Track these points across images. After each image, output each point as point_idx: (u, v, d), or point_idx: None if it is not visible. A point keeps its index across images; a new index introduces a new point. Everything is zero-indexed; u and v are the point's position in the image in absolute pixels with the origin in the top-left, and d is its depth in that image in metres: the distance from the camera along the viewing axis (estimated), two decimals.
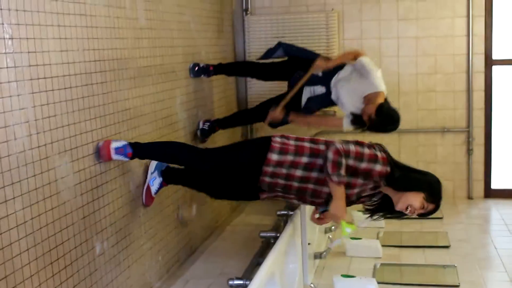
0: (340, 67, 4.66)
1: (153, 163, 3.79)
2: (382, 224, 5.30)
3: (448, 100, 6.10)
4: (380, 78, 4.50)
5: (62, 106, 2.98)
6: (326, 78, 4.65)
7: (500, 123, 6.15)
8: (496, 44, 6.02)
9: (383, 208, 3.25)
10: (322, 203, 3.21)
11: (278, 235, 3.76)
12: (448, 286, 4.14)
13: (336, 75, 4.64)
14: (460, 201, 6.09)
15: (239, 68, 5.39)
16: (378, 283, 3.93)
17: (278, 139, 3.20)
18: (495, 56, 6.03)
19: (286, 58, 4.99)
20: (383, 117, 4.35)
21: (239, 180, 3.43)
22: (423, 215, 3.17)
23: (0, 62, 2.55)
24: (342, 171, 3.00)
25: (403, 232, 5.21)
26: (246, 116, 5.27)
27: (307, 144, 3.17)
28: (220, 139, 5.15)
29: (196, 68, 4.79)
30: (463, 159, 6.13)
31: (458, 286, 4.09)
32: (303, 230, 4.01)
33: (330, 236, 4.64)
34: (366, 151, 3.08)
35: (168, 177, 3.77)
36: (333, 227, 4.91)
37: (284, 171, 3.13)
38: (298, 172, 3.12)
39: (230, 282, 3.30)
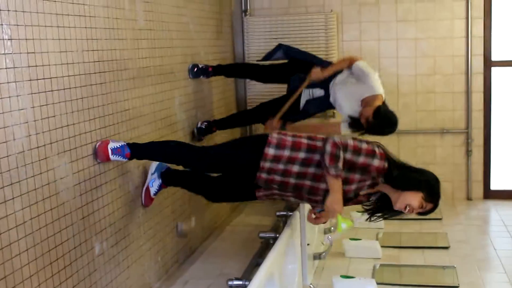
0: (338, 71, 4.67)
1: (154, 164, 3.79)
2: (382, 225, 5.30)
3: (447, 101, 6.10)
4: (378, 81, 4.50)
5: (61, 107, 2.98)
6: (324, 81, 4.66)
7: (499, 124, 6.16)
8: (495, 46, 6.02)
9: (382, 207, 3.24)
10: (320, 201, 3.19)
11: (277, 235, 3.76)
12: (447, 287, 4.15)
13: (334, 78, 4.65)
14: (459, 202, 6.09)
15: (238, 70, 5.39)
16: (378, 283, 3.93)
17: (275, 135, 3.21)
18: (494, 57, 6.03)
19: (286, 61, 5.00)
20: (380, 120, 4.33)
21: (236, 177, 3.44)
22: (422, 214, 3.17)
23: None
24: (340, 164, 2.99)
25: (402, 233, 5.22)
26: (244, 117, 5.28)
27: (304, 140, 3.17)
28: (220, 140, 5.15)
29: (195, 69, 4.80)
30: (462, 160, 6.14)
31: (457, 287, 4.10)
32: (302, 231, 4.01)
33: (330, 237, 4.64)
34: (364, 145, 3.08)
35: (167, 179, 3.77)
36: (332, 228, 4.92)
37: (281, 166, 3.12)
38: (295, 168, 3.11)
39: (230, 283, 3.29)
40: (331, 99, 4.64)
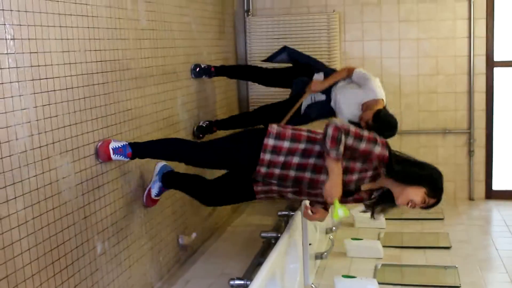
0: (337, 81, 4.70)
1: (159, 165, 3.78)
2: (383, 224, 5.32)
3: (449, 102, 6.11)
4: (379, 86, 4.51)
5: (63, 107, 2.99)
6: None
7: (501, 124, 6.16)
8: (498, 46, 6.02)
9: (383, 202, 3.20)
10: (319, 194, 3.13)
11: (279, 235, 3.76)
12: (449, 287, 4.15)
13: (336, 83, 4.66)
14: (461, 202, 6.09)
15: (241, 72, 5.40)
16: (379, 283, 3.93)
17: (275, 126, 3.20)
18: (496, 57, 6.03)
19: (289, 65, 5.02)
20: (380, 123, 4.32)
21: (235, 175, 3.42)
22: (425, 208, 3.14)
23: (2, 63, 2.57)
24: (341, 148, 2.93)
25: (404, 233, 5.22)
26: (246, 119, 5.26)
27: (304, 133, 3.17)
28: None
29: (198, 69, 4.81)
30: (464, 160, 6.14)
31: (459, 287, 4.10)
32: (304, 231, 4.02)
33: (331, 237, 4.65)
34: (365, 133, 3.04)
35: (167, 182, 3.75)
36: (333, 228, 4.92)
37: (281, 158, 3.10)
38: (296, 159, 3.08)
39: (231, 282, 3.29)
40: (332, 103, 4.65)
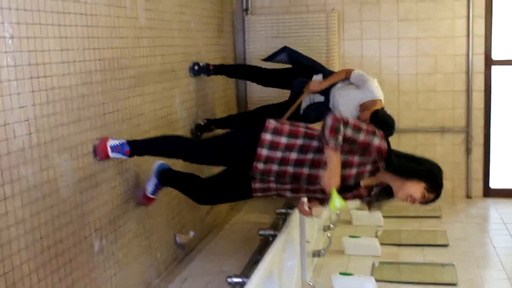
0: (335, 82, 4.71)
1: (157, 163, 3.76)
2: (381, 222, 5.34)
3: (447, 100, 6.12)
4: (378, 87, 4.52)
5: (62, 105, 3.00)
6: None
7: (499, 123, 6.17)
8: (496, 45, 6.03)
9: (383, 198, 3.18)
10: (319, 190, 3.12)
11: (276, 233, 3.76)
12: (446, 284, 4.16)
13: (335, 85, 4.67)
14: (459, 200, 6.11)
15: (241, 71, 5.40)
16: (377, 281, 3.95)
17: (272, 121, 3.21)
18: (495, 56, 6.05)
19: (289, 66, 5.02)
20: (377, 123, 4.33)
21: (232, 172, 3.40)
22: (424, 204, 3.12)
23: (0, 61, 2.57)
24: (340, 138, 2.94)
25: (401, 230, 5.24)
26: (244, 119, 5.27)
27: (302, 129, 3.17)
28: None
29: (196, 67, 4.82)
30: (462, 158, 6.15)
31: (456, 284, 4.12)
32: (301, 228, 4.03)
33: (329, 235, 4.66)
34: (364, 125, 3.05)
35: (164, 179, 3.71)
36: (331, 225, 4.94)
37: (279, 154, 3.10)
38: (293, 155, 3.08)
39: (229, 280, 3.30)
40: (331, 104, 4.67)
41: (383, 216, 5.40)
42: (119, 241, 3.57)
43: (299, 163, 3.09)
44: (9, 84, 2.63)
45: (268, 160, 3.12)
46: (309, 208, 3.37)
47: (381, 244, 4.76)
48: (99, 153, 3.32)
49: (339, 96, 4.59)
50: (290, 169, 3.11)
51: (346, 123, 2.98)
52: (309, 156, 3.08)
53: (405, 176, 3.03)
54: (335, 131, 2.94)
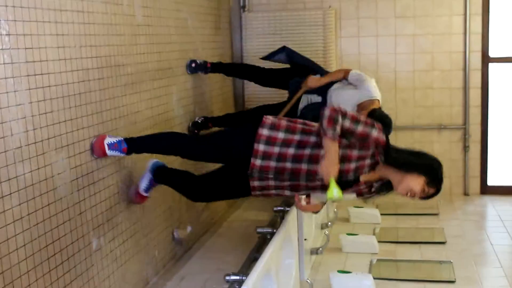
0: (336, 79, 4.70)
1: (151, 161, 3.73)
2: (379, 220, 5.34)
3: (445, 97, 6.12)
4: (375, 87, 4.52)
5: (58, 102, 2.99)
6: (322, 88, 4.69)
7: (496, 120, 6.18)
8: (493, 42, 6.04)
9: (383, 190, 3.15)
10: (318, 187, 3.09)
11: (274, 230, 3.76)
12: (444, 281, 4.16)
13: (332, 85, 4.67)
14: (457, 197, 6.12)
15: (239, 70, 5.40)
16: (374, 278, 3.95)
17: (270, 117, 3.19)
18: (492, 53, 6.05)
19: (287, 66, 5.02)
20: None
21: (230, 170, 3.37)
22: (424, 198, 3.08)
23: None
24: (338, 128, 2.93)
25: (399, 228, 5.24)
26: (241, 118, 5.26)
27: (299, 125, 3.16)
28: None
29: (193, 65, 4.81)
30: (459, 156, 6.16)
31: (454, 281, 4.12)
32: (299, 226, 4.03)
33: (327, 232, 4.66)
34: (362, 117, 3.05)
35: (158, 177, 3.65)
36: (329, 223, 4.94)
37: (276, 149, 3.08)
38: (291, 150, 3.06)
39: (227, 278, 3.29)
40: (328, 105, 4.66)
41: (381, 214, 5.40)
42: (116, 239, 3.57)
43: (297, 158, 3.06)
44: (6, 82, 2.62)
45: (265, 155, 3.10)
46: (307, 203, 3.31)
47: (379, 241, 4.76)
48: (96, 151, 3.31)
49: (336, 96, 4.59)
50: (288, 165, 3.08)
51: (344, 114, 2.97)
52: (307, 151, 3.05)
53: (405, 169, 3.00)
54: (333, 121, 2.93)
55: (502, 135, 6.24)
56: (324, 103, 4.68)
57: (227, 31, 5.97)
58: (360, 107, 4.44)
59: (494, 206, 5.83)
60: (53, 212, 2.94)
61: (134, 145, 3.44)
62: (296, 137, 3.10)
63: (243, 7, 6.19)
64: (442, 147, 6.15)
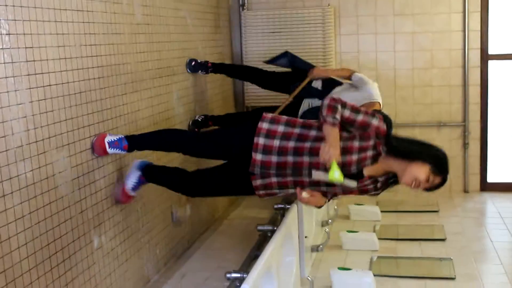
0: (338, 83, 4.74)
1: (137, 161, 3.62)
2: (379, 217, 5.35)
3: (444, 95, 6.13)
4: (377, 90, 4.53)
5: (59, 101, 3.00)
6: (324, 92, 4.70)
7: (496, 117, 6.19)
8: (492, 39, 6.04)
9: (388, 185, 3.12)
10: (322, 183, 3.04)
11: (275, 228, 3.77)
12: (444, 278, 4.17)
13: (333, 89, 4.69)
14: (456, 194, 6.12)
15: (240, 72, 5.41)
16: (375, 275, 3.96)
17: (270, 114, 3.21)
18: (491, 51, 6.05)
19: (289, 70, 5.04)
20: None
21: (231, 166, 3.35)
22: (429, 190, 3.03)
23: None
24: (338, 116, 2.94)
25: (399, 225, 5.25)
26: (242, 118, 5.27)
27: (299, 120, 3.19)
28: None
29: (193, 63, 4.82)
30: (459, 153, 6.17)
31: (454, 278, 4.13)
32: (300, 224, 4.04)
33: (327, 230, 4.67)
34: (362, 108, 3.06)
35: (148, 175, 3.56)
36: (329, 220, 4.95)
37: (276, 143, 3.06)
38: (291, 143, 3.05)
39: (228, 275, 3.30)
40: None
41: (381, 211, 5.41)
42: (118, 237, 3.58)
43: (298, 151, 3.04)
44: (7, 81, 2.63)
45: (266, 149, 3.08)
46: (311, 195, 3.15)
47: (379, 238, 4.77)
48: (97, 149, 3.31)
49: None
50: (290, 158, 3.05)
51: (344, 104, 3.00)
52: (307, 144, 3.03)
53: (409, 158, 2.94)
54: (332, 108, 2.96)
55: (502, 132, 6.25)
56: None
57: (226, 30, 5.98)
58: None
59: (494, 203, 5.84)
60: (54, 210, 2.95)
61: (135, 142, 3.44)
62: (296, 130, 3.10)
63: (242, 5, 6.19)
64: (441, 144, 5.98)
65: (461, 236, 4.96)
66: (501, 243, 4.79)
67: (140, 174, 3.52)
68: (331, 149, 2.88)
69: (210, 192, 3.67)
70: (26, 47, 2.75)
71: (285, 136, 3.08)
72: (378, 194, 3.19)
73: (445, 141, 6.16)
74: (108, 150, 3.34)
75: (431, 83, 6.13)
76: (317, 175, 3.00)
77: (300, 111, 4.76)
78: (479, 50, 6.01)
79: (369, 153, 3.00)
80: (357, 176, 3.02)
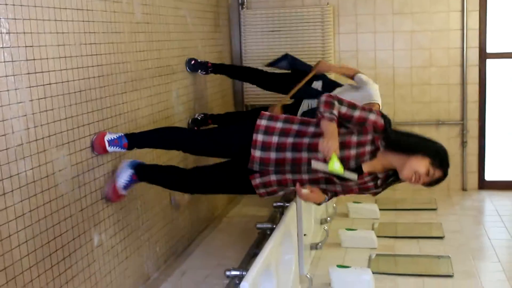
0: (338, 84, 4.78)
1: (126, 160, 3.56)
2: (377, 215, 5.37)
3: (442, 93, 6.15)
4: (377, 91, 4.55)
5: (59, 100, 3.01)
6: (323, 93, 4.71)
7: (494, 115, 6.20)
8: (491, 38, 6.06)
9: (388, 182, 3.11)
10: (322, 178, 3.05)
11: (274, 226, 3.79)
12: (442, 276, 4.18)
13: (333, 90, 4.70)
14: (455, 192, 6.14)
15: (241, 73, 5.42)
16: (373, 273, 3.97)
17: (268, 112, 3.24)
18: (489, 49, 6.07)
19: (289, 71, 5.06)
20: None
21: (231, 164, 3.36)
22: (430, 184, 3.00)
23: None
24: (335, 111, 2.95)
25: (398, 223, 5.27)
26: (241, 117, 5.28)
27: (298, 117, 3.21)
28: None
29: (193, 62, 4.83)
30: (457, 151, 6.18)
31: (452, 276, 4.14)
32: (299, 221, 4.05)
33: (326, 228, 4.69)
34: (360, 104, 3.07)
35: (141, 174, 3.51)
36: (328, 218, 4.96)
37: (274, 139, 3.07)
38: (290, 139, 3.05)
39: (227, 273, 3.32)
40: None
41: (380, 209, 5.43)
42: (118, 235, 3.59)
43: (296, 147, 3.04)
44: (7, 80, 2.64)
45: (264, 146, 3.08)
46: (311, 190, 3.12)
47: (378, 236, 4.79)
48: (97, 148, 3.33)
49: None
50: (288, 154, 3.05)
51: (340, 101, 3.02)
52: (306, 140, 3.04)
53: (408, 151, 2.93)
54: (329, 104, 2.98)
55: (500, 130, 6.26)
56: None
57: (226, 28, 5.99)
58: None
59: (492, 201, 5.86)
60: (55, 208, 2.96)
61: (135, 140, 3.45)
62: (295, 126, 3.11)
63: (242, 4, 6.21)
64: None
65: (459, 234, 4.97)
66: (499, 240, 4.81)
67: (133, 173, 3.47)
68: (330, 142, 2.86)
69: (210, 189, 3.65)
70: (26, 46, 2.76)
71: (284, 132, 3.09)
72: (378, 192, 3.18)
73: (443, 139, 6.15)
74: (108, 148, 3.35)
75: (429, 81, 6.15)
76: (317, 165, 2.95)
77: (299, 112, 4.78)
78: (477, 49, 6.03)
79: (368, 148, 2.98)
80: (357, 172, 2.98)
